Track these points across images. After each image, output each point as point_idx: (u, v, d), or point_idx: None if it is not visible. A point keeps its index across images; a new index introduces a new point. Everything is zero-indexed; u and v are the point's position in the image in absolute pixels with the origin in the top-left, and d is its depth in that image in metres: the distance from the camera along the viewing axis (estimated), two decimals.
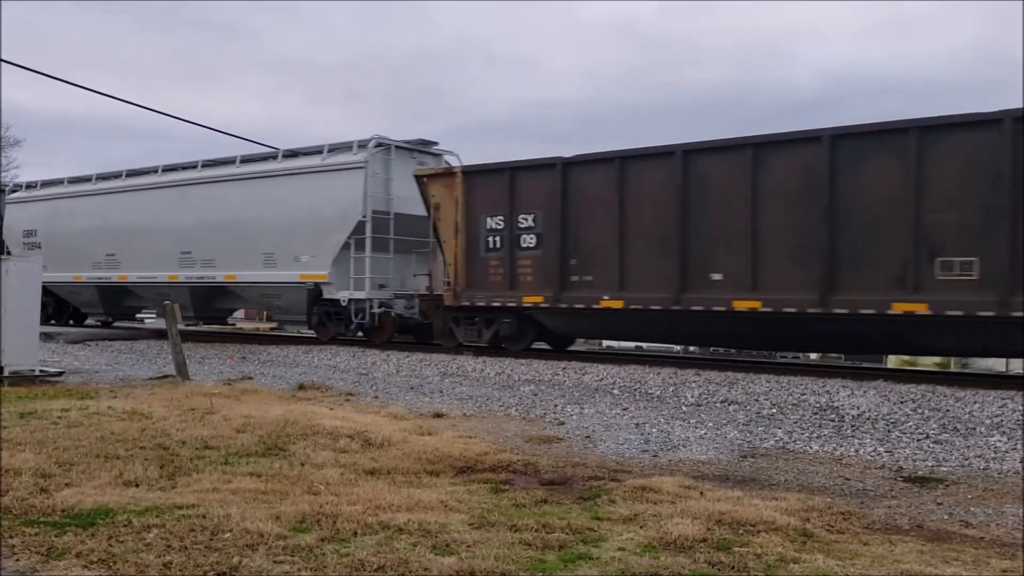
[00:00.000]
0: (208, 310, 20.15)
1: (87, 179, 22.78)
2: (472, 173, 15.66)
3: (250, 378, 13.41)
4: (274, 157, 18.54)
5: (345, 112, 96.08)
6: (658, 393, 11.37)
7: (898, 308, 11.08)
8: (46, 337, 18.44)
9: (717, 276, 12.58)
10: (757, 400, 10.54)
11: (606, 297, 13.62)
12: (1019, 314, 10.24)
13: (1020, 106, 10.46)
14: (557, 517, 5.30)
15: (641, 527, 5.09)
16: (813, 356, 24.00)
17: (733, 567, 4.37)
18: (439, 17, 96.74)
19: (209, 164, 19.84)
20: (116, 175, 21.95)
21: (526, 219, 14.69)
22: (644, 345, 24.11)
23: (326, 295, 17.29)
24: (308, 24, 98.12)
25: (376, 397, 11.41)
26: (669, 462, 7.46)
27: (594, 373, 12.80)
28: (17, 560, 4.40)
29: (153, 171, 21.00)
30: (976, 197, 10.65)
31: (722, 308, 12.46)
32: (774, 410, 10.06)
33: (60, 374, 13.19)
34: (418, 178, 16.27)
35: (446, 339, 16.16)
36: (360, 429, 8.14)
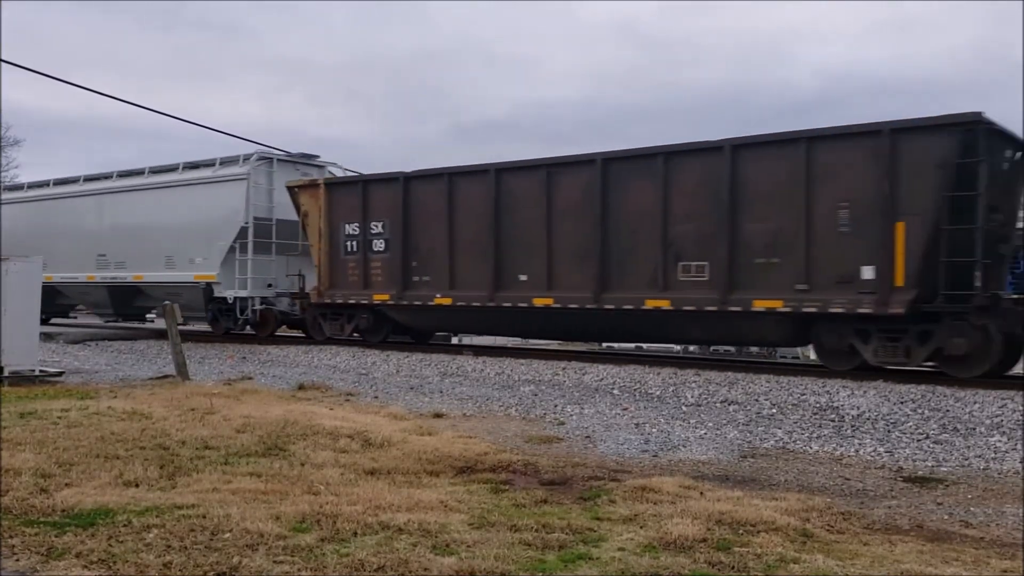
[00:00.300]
0: (126, 308, 21.88)
1: (20, 187, 25.11)
2: (332, 184, 17.76)
3: (250, 378, 13.41)
4: (176, 169, 20.35)
5: (345, 112, 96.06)
6: (658, 393, 11.37)
7: (650, 304, 13.13)
8: (46, 337, 18.45)
9: (523, 277, 14.63)
10: (757, 400, 10.54)
11: (439, 295, 15.62)
12: (736, 308, 12.32)
13: (747, 134, 12.50)
14: (557, 517, 5.30)
15: (641, 527, 5.09)
16: (813, 356, 23.94)
17: (733, 567, 4.37)
18: (439, 17, 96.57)
19: (123, 175, 21.52)
20: (45, 184, 23.88)
21: (376, 226, 16.61)
22: (644, 345, 24.16)
23: (217, 293, 18.96)
24: (308, 24, 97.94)
25: (376, 397, 11.40)
26: (669, 462, 7.46)
27: (594, 373, 12.80)
28: (17, 560, 4.40)
29: (75, 180, 22.86)
30: (705, 212, 12.68)
31: (525, 304, 14.53)
32: (774, 410, 10.06)
33: (60, 374, 13.18)
34: (289, 188, 18.14)
35: (317, 332, 18.15)
36: (360, 429, 8.13)
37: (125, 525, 4.93)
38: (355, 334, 17.54)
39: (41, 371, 12.84)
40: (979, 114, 10.77)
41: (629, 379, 12.21)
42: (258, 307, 18.80)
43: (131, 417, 8.74)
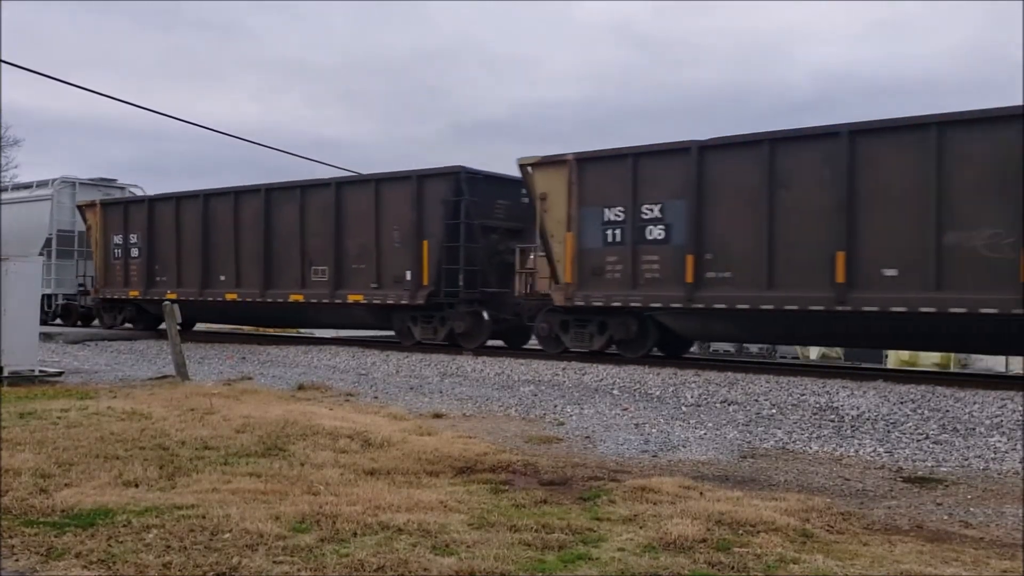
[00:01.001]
0: None
1: None
2: (106, 204, 22.58)
3: (249, 378, 13.40)
4: (6, 189, 25.75)
5: (344, 112, 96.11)
6: (658, 393, 11.37)
7: (292, 298, 17.96)
8: (46, 337, 18.44)
9: (223, 278, 19.33)
10: (757, 400, 10.54)
11: (169, 291, 20.06)
12: (339, 301, 17.14)
13: (352, 173, 18.42)
14: (557, 517, 5.30)
15: (641, 527, 5.09)
16: (813, 356, 23.99)
17: (733, 567, 4.37)
18: (438, 17, 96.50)
19: None
20: None
21: (133, 237, 21.52)
22: None
23: None
24: (307, 25, 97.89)
25: (376, 397, 11.40)
26: (669, 462, 7.46)
27: (593, 373, 12.80)
28: (17, 560, 4.40)
29: None
30: (326, 230, 17.42)
31: (222, 298, 19.27)
32: (774, 410, 10.06)
33: (59, 374, 13.17)
34: (78, 207, 23.10)
35: (102, 321, 23.05)
36: (360, 429, 8.13)
37: (125, 525, 4.93)
38: (127, 323, 22.61)
39: (40, 371, 12.83)
40: (461, 167, 15.86)
41: (629, 379, 12.21)
42: (61, 302, 24.00)
43: (131, 417, 8.74)
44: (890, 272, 11.32)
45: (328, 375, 13.82)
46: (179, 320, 14.17)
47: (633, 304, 13.56)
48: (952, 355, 20.70)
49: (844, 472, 7.20)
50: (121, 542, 4.64)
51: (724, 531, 5.00)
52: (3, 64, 17.58)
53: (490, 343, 17.02)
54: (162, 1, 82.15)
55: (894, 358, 21.50)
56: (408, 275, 16.09)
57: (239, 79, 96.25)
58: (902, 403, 9.79)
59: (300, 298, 17.71)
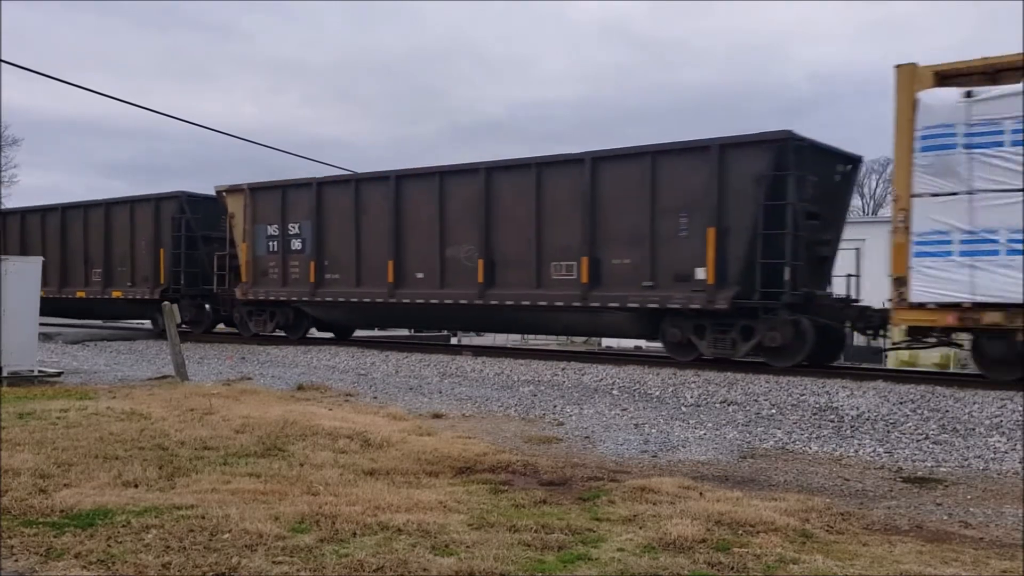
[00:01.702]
0: None
1: None
2: None
3: (249, 378, 13.39)
4: None
5: (340, 112, 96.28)
6: (657, 394, 11.36)
7: (79, 294, 22.63)
8: (45, 337, 18.44)
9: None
10: (756, 401, 10.54)
11: None
12: (107, 296, 21.66)
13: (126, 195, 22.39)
14: (556, 518, 5.30)
15: (640, 528, 5.09)
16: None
17: (732, 568, 4.37)
18: (434, 17, 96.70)
19: None
20: None
21: None
22: (644, 345, 24.24)
23: None
24: (303, 25, 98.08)
25: (375, 398, 11.39)
26: (668, 463, 7.46)
27: (593, 374, 12.80)
28: (16, 560, 4.40)
29: None
30: (99, 240, 21.96)
31: (51, 296, 22.52)
32: (773, 411, 10.05)
33: (59, 374, 13.16)
34: None
35: None
36: (359, 430, 8.13)
37: (124, 526, 4.93)
38: None
39: (40, 371, 12.81)
40: (183, 192, 20.67)
41: (628, 379, 12.20)
42: None
43: (130, 417, 8.73)
44: (420, 275, 16.17)
45: (327, 375, 13.82)
46: (179, 320, 14.16)
47: (283, 298, 18.30)
48: (952, 355, 20.69)
49: (844, 472, 7.20)
50: (120, 542, 4.64)
51: (724, 531, 5.00)
52: (3, 64, 17.78)
53: (226, 330, 21.64)
54: (159, 1, 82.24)
55: (893, 358, 21.48)
56: (151, 275, 20.78)
57: (237, 79, 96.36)
58: (902, 403, 9.79)
59: (83, 294, 22.45)
